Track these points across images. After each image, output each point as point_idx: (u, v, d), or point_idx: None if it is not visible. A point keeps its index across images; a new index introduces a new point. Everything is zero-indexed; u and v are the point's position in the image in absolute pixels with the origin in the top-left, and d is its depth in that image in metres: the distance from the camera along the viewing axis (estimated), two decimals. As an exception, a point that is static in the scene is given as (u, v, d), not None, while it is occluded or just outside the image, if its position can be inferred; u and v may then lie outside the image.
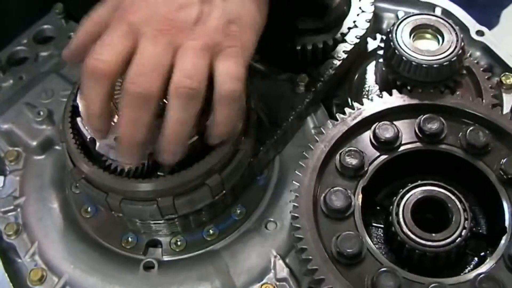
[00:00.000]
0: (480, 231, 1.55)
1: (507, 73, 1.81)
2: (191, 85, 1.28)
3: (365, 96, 1.81)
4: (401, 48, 1.61)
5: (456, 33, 1.62)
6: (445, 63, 1.57)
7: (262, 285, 1.55)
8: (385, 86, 1.68)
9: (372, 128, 1.53)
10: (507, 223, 1.43)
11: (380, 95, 1.59)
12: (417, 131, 1.53)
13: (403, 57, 1.60)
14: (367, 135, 1.54)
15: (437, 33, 1.64)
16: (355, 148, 1.50)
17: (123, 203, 1.45)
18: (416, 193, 1.46)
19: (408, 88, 1.60)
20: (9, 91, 1.95)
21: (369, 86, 1.83)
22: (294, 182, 1.49)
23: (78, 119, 1.47)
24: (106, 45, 1.30)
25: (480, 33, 1.87)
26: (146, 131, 1.32)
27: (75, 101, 1.50)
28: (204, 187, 1.47)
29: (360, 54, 1.84)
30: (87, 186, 1.48)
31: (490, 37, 1.87)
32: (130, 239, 1.63)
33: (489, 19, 3.40)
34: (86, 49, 1.34)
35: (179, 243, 1.61)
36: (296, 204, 1.45)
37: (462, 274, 1.45)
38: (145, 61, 1.29)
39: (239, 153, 1.51)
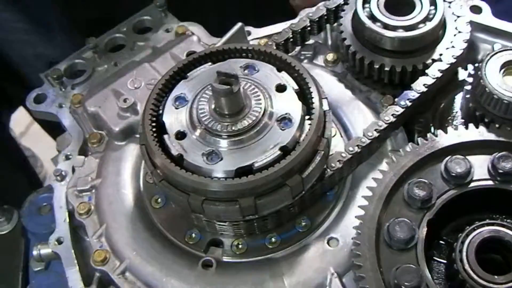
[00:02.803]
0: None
1: None
2: None
3: (449, 125, 1.77)
4: (488, 80, 1.58)
5: (549, 76, 1.57)
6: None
7: (315, 300, 1.55)
8: (467, 116, 1.66)
9: (444, 161, 1.50)
10: None
11: (464, 126, 1.57)
12: (490, 168, 1.50)
13: (487, 89, 1.57)
14: (438, 167, 1.51)
15: (528, 71, 1.60)
16: (424, 180, 1.48)
17: (205, 203, 1.47)
18: (483, 232, 1.42)
19: (486, 121, 1.57)
20: (102, 76, 2.03)
21: (453, 116, 1.79)
22: (359, 207, 1.48)
23: (166, 136, 1.50)
24: None
25: None
26: None
27: (161, 117, 1.54)
28: (285, 187, 1.47)
29: (449, 83, 1.81)
30: (168, 187, 1.50)
31: None
32: (193, 235, 1.65)
33: None
34: None
35: (240, 246, 1.63)
36: (359, 231, 1.44)
37: (520, 320, 1.41)
38: None
39: (318, 153, 1.50)
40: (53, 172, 1.85)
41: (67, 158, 1.88)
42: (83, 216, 1.74)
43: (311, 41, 1.98)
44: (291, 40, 1.90)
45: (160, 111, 1.55)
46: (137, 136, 1.75)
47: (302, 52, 1.99)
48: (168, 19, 2.14)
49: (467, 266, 1.38)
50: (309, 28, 1.92)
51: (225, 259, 1.63)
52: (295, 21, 1.92)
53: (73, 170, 1.85)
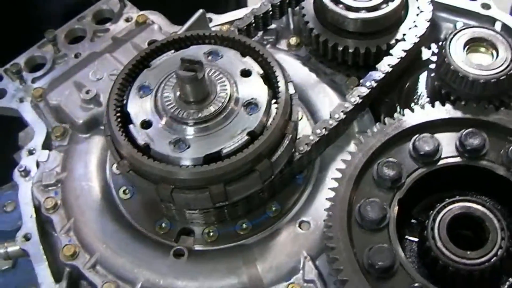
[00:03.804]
0: (517, 251, 1.52)
1: None
2: None
3: (415, 104, 1.78)
4: (452, 58, 1.59)
5: (513, 52, 1.59)
6: (492, 80, 1.55)
7: (289, 285, 1.55)
8: (433, 95, 1.67)
9: (412, 140, 1.51)
10: (545, 244, 1.40)
11: (430, 104, 1.58)
12: (458, 145, 1.51)
13: (452, 67, 1.58)
14: (407, 146, 1.52)
15: (492, 48, 1.61)
16: (393, 160, 1.48)
17: (174, 192, 1.45)
18: (453, 208, 1.43)
19: (452, 98, 1.58)
20: (62, 68, 1.99)
21: (419, 95, 1.80)
22: (329, 189, 1.48)
23: (131, 126, 1.48)
24: None
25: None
26: None
27: (126, 107, 1.52)
28: (254, 172, 1.46)
29: (413, 63, 1.82)
30: (136, 177, 1.48)
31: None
32: (164, 224, 1.64)
33: None
34: None
35: (211, 234, 1.62)
36: (330, 213, 1.44)
37: (496, 294, 1.43)
38: None
39: (286, 137, 1.50)
40: (17, 168, 1.81)
41: (31, 153, 1.84)
42: (50, 211, 1.72)
43: (273, 26, 1.97)
44: (253, 25, 1.89)
45: (124, 101, 1.53)
46: (102, 127, 1.73)
47: (265, 37, 1.98)
48: (127, 8, 2.11)
49: (439, 243, 1.39)
50: (271, 13, 1.90)
51: (197, 247, 1.62)
52: (256, 6, 1.91)
53: (38, 165, 1.82)
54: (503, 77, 1.55)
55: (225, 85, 1.50)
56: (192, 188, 1.46)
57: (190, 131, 1.46)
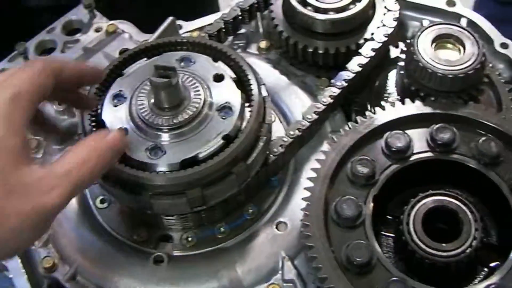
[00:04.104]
0: (491, 241, 1.54)
1: (529, 86, 1.79)
2: None
3: (385, 102, 1.80)
4: (421, 55, 1.61)
5: (479, 46, 1.61)
6: (460, 75, 1.57)
7: (269, 285, 1.56)
8: (403, 92, 1.69)
9: (384, 137, 1.53)
10: (518, 233, 1.42)
11: (401, 101, 1.60)
12: (429, 140, 1.53)
13: (420, 64, 1.60)
14: (379, 143, 1.54)
15: (459, 44, 1.64)
16: (366, 157, 1.50)
17: (152, 199, 1.46)
18: (427, 202, 1.46)
19: (422, 95, 1.61)
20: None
21: (389, 93, 1.82)
22: (305, 190, 1.50)
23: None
24: None
25: (504, 45, 1.86)
26: None
27: (100, 116, 1.52)
28: (231, 175, 1.47)
29: (382, 61, 1.84)
30: (113, 186, 1.48)
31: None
32: (142, 232, 1.63)
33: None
34: None
35: (190, 239, 1.62)
36: (307, 212, 1.46)
37: (472, 284, 1.45)
38: None
39: (260, 139, 1.52)
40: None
41: (4, 166, 1.83)
42: (27, 224, 1.71)
43: (243, 30, 1.99)
44: (224, 30, 1.90)
45: (99, 110, 1.53)
46: (76, 138, 1.73)
47: (235, 42, 1.99)
48: (97, 18, 2.10)
49: (415, 237, 1.41)
50: (240, 17, 1.92)
51: (176, 253, 1.61)
52: (226, 11, 1.92)
53: (12, 178, 1.81)
54: (471, 72, 1.58)
55: (198, 91, 1.50)
56: (169, 194, 1.46)
57: (165, 137, 1.46)
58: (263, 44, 1.95)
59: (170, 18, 1.87)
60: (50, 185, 1.21)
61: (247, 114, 1.50)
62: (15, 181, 1.19)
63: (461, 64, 1.59)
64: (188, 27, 2.01)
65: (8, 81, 1.27)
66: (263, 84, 1.56)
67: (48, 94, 1.33)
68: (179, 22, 1.98)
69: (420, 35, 1.65)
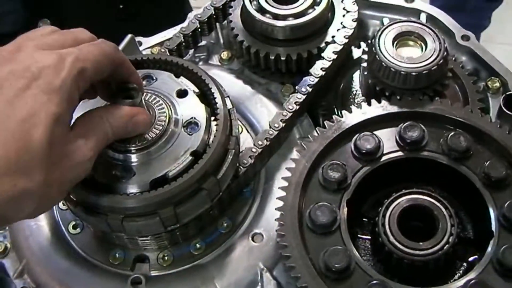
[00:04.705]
0: (468, 236, 1.55)
1: (493, 77, 1.80)
2: None
3: (351, 104, 1.80)
4: (383, 54, 1.61)
5: (440, 42, 1.62)
6: (424, 72, 1.58)
7: (249, 298, 1.55)
8: (368, 92, 1.69)
9: (353, 139, 1.53)
10: (493, 226, 1.42)
11: (366, 103, 1.60)
12: (398, 139, 1.53)
13: (383, 63, 1.60)
14: (349, 147, 1.54)
15: (420, 40, 1.64)
16: (337, 161, 1.49)
17: (124, 221, 1.44)
18: (401, 202, 1.45)
19: (387, 94, 1.61)
20: None
21: (354, 94, 1.83)
22: (278, 199, 1.49)
23: None
24: None
25: (465, 38, 1.87)
26: None
27: None
28: (202, 191, 1.46)
29: (345, 63, 1.84)
30: (84, 212, 1.46)
31: (475, 42, 1.86)
32: (117, 255, 1.62)
33: (480, 22, 3.44)
34: None
35: (166, 258, 1.60)
36: (281, 222, 1.45)
37: (452, 281, 1.45)
38: None
39: (229, 152, 1.51)
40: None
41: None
42: (0, 256, 1.68)
43: (203, 42, 1.98)
44: (184, 44, 1.89)
45: None
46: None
47: (196, 55, 1.98)
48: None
49: (391, 238, 1.41)
50: (199, 30, 1.91)
51: (153, 273, 1.60)
52: (184, 24, 1.91)
53: (-19, 210, 1.78)
54: (434, 68, 1.58)
55: (163, 108, 1.49)
56: (141, 215, 1.44)
57: (133, 158, 1.44)
58: (224, 54, 1.95)
59: (129, 36, 1.85)
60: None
61: (214, 128, 1.49)
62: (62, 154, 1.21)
63: (424, 61, 1.59)
64: (148, 43, 1.99)
65: (80, 53, 1.24)
66: (228, 96, 1.55)
67: (100, 78, 1.32)
68: (138, 38, 1.96)
69: (380, 34, 1.64)
